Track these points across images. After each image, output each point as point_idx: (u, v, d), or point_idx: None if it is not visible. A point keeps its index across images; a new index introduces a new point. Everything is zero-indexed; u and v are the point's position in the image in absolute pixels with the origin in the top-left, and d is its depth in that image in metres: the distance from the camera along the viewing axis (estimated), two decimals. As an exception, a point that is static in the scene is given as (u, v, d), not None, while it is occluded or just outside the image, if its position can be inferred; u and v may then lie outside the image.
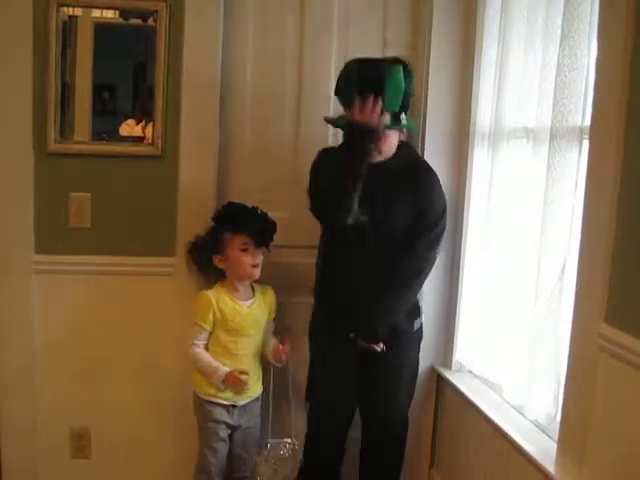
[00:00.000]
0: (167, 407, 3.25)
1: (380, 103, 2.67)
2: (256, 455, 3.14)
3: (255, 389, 3.11)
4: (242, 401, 3.06)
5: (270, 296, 3.15)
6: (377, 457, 3.15)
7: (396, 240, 2.85)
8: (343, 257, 2.93)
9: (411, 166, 2.91)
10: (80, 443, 3.29)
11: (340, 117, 2.85)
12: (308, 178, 2.88)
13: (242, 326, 3.01)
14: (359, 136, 2.70)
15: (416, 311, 3.03)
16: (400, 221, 2.84)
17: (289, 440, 3.16)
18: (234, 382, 2.96)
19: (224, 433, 3.07)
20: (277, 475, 3.14)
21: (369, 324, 2.88)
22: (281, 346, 3.04)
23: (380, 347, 2.89)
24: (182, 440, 3.20)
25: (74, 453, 3.30)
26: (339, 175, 2.73)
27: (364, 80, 2.69)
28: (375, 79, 2.68)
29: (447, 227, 2.97)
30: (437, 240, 2.91)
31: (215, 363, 2.97)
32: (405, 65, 2.75)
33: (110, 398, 3.26)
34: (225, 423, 3.05)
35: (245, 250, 2.99)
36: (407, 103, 2.80)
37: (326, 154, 2.92)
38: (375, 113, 2.67)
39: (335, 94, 2.85)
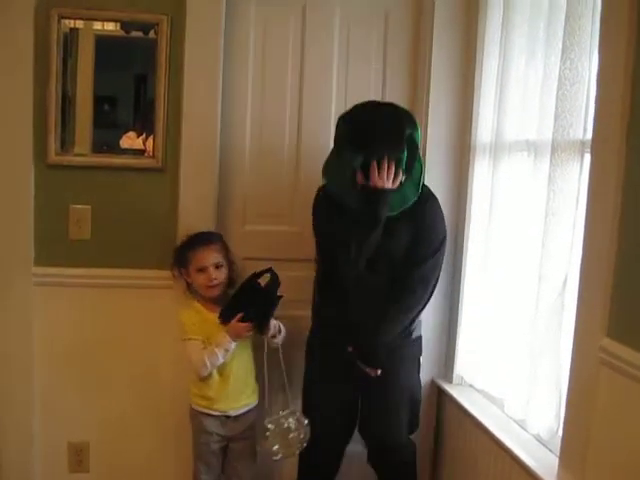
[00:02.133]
0: (166, 420, 3.24)
1: (397, 167, 2.65)
2: (263, 440, 3.03)
3: (248, 399, 3.08)
4: (235, 412, 3.04)
5: None
6: (387, 477, 3.15)
7: (395, 266, 2.83)
8: (341, 282, 2.90)
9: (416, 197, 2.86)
10: (78, 457, 3.28)
11: (341, 172, 2.76)
12: (311, 208, 2.93)
13: (213, 333, 2.97)
14: (378, 203, 2.68)
15: (412, 322, 3.00)
16: (399, 250, 2.81)
17: (288, 410, 3.04)
18: (238, 330, 2.92)
19: (216, 446, 3.06)
20: (291, 447, 3.02)
21: (371, 349, 2.87)
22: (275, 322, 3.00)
23: (378, 373, 2.88)
24: (181, 454, 3.18)
25: (72, 467, 3.28)
26: (354, 242, 2.72)
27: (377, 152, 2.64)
28: (390, 153, 2.63)
29: (448, 239, 2.96)
30: (433, 270, 2.89)
31: (214, 347, 2.94)
32: (413, 123, 2.71)
33: (109, 412, 3.24)
34: (218, 435, 3.04)
35: (202, 270, 2.99)
36: (416, 156, 2.76)
37: (326, 202, 2.88)
38: (392, 177, 2.65)
39: (336, 150, 2.78)
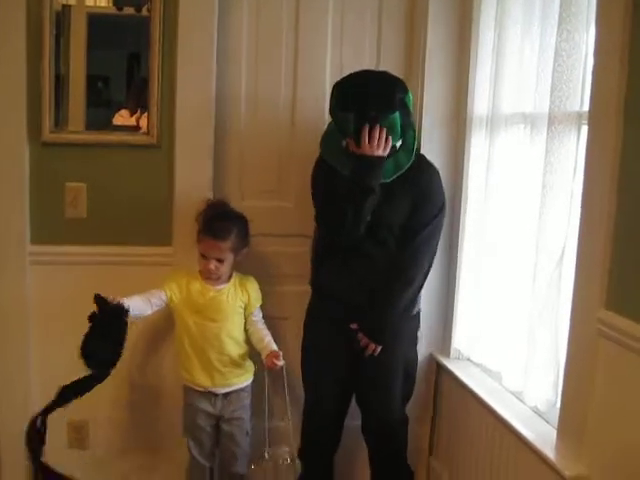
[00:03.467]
0: (165, 398, 3.25)
1: (389, 135, 2.65)
2: (255, 465, 3.09)
3: (237, 379, 3.08)
4: (222, 389, 3.05)
5: (250, 284, 3.11)
6: (379, 453, 3.16)
7: (394, 236, 2.84)
8: (339, 253, 2.91)
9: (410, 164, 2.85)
10: (78, 435, 3.29)
11: (336, 142, 2.79)
12: (306, 184, 2.92)
13: (205, 308, 3.00)
14: (370, 170, 2.68)
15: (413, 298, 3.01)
16: (398, 218, 2.82)
17: (287, 449, 3.09)
18: None
19: (204, 422, 3.08)
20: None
21: (377, 326, 2.89)
22: (275, 360, 2.96)
23: (377, 351, 2.90)
24: (179, 432, 3.19)
25: (72, 444, 3.29)
26: (350, 209, 2.72)
27: (368, 115, 2.63)
28: (380, 114, 2.63)
29: (445, 215, 2.96)
30: (434, 236, 2.90)
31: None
32: (404, 88, 2.71)
33: (108, 390, 3.23)
34: (204, 412, 3.06)
35: (205, 257, 2.98)
36: (409, 122, 2.77)
37: (324, 170, 2.87)
38: (384, 144, 2.65)
39: (331, 117, 2.78)
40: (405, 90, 2.70)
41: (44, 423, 2.78)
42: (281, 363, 2.96)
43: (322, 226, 2.92)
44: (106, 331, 2.73)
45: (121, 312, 2.75)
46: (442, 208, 2.90)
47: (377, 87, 2.68)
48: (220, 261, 2.97)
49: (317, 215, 2.91)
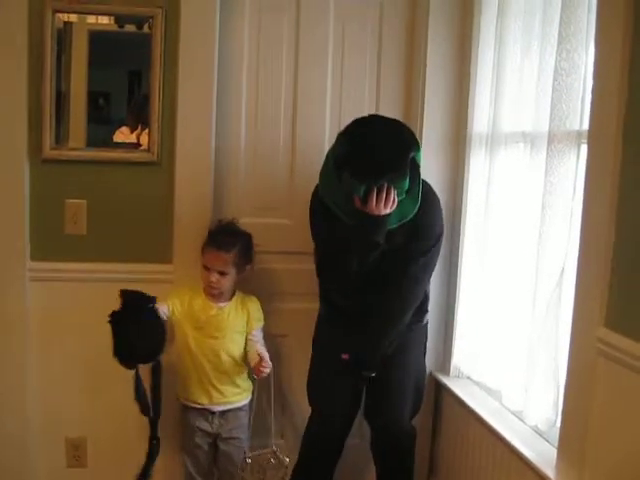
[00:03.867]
0: (164, 416, 3.22)
1: (394, 192, 2.61)
2: (240, 471, 3.06)
3: (235, 397, 3.07)
4: (218, 407, 3.04)
5: (252, 304, 3.11)
6: (387, 465, 3.14)
7: (390, 262, 2.81)
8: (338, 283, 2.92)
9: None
10: (76, 453, 3.28)
11: (341, 202, 2.72)
12: (309, 197, 2.90)
13: (206, 324, 3.00)
14: (376, 228, 2.66)
15: (424, 307, 3.02)
16: (395, 248, 2.77)
17: (270, 449, 3.07)
18: None
19: (201, 440, 3.07)
20: None
21: (368, 357, 2.90)
22: (262, 363, 2.92)
23: (372, 374, 2.92)
24: (177, 449, 3.17)
25: (70, 462, 3.28)
26: (354, 260, 2.73)
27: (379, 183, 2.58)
28: (392, 183, 2.58)
29: (445, 232, 2.95)
30: (427, 266, 2.89)
31: None
32: (416, 145, 2.64)
33: (106, 407, 3.23)
34: (200, 430, 3.05)
35: (207, 269, 2.99)
36: (417, 175, 2.72)
37: (323, 210, 2.81)
38: (390, 204, 2.62)
39: (337, 169, 2.66)
40: (417, 147, 2.62)
41: None
42: (267, 369, 2.91)
43: (324, 272, 2.91)
44: (139, 320, 2.74)
45: (148, 297, 2.76)
46: (439, 239, 2.87)
47: (389, 153, 2.57)
48: (222, 274, 2.97)
49: (318, 261, 2.90)
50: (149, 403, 2.83)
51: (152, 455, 2.91)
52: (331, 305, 3.00)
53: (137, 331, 2.72)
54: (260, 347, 3.05)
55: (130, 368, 2.75)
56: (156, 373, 2.83)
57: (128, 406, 3.20)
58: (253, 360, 2.98)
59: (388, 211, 2.62)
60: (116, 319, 2.69)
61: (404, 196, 2.66)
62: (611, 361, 2.09)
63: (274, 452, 3.06)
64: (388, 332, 2.88)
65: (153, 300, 2.77)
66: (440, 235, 2.87)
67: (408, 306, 2.88)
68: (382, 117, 2.77)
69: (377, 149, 2.57)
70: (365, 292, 2.84)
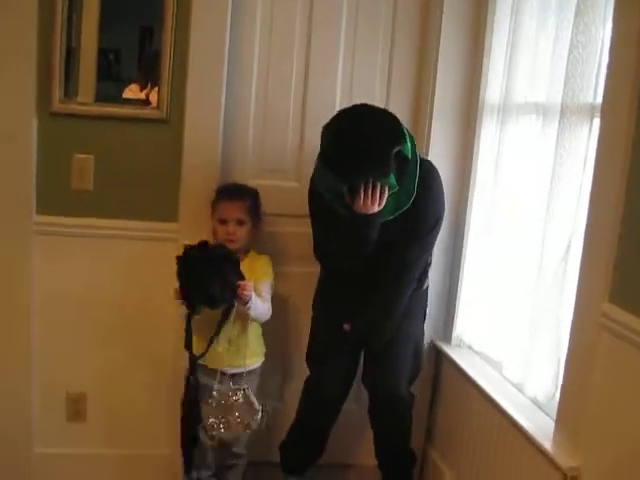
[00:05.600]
0: (164, 372, 3.24)
1: (383, 189, 2.62)
2: (203, 404, 2.92)
3: (246, 360, 3.01)
4: (231, 369, 2.98)
5: (263, 261, 3.10)
6: (384, 430, 3.16)
7: (386, 249, 2.81)
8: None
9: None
10: (76, 407, 3.30)
11: (336, 194, 2.72)
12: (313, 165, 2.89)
13: None
14: (366, 226, 2.68)
15: (425, 272, 3.04)
16: (395, 233, 2.79)
17: (236, 386, 2.95)
18: None
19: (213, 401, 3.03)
20: (230, 428, 2.91)
21: (379, 337, 2.95)
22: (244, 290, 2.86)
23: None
24: (177, 405, 3.19)
25: (70, 416, 3.30)
26: (346, 251, 2.77)
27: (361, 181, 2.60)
28: (375, 180, 2.60)
29: (452, 202, 2.96)
30: (426, 249, 2.91)
31: None
32: (401, 138, 2.61)
33: (107, 362, 3.26)
34: (209, 389, 2.95)
35: (223, 222, 2.99)
36: (408, 169, 2.70)
37: (320, 202, 2.83)
38: (378, 200, 2.63)
39: (323, 164, 2.69)
40: (402, 140, 2.60)
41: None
42: (248, 292, 2.85)
43: (319, 256, 2.95)
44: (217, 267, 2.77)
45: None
46: (438, 221, 2.87)
47: (371, 149, 2.56)
48: (240, 223, 2.98)
49: (315, 245, 2.93)
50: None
51: (191, 394, 2.89)
52: (330, 274, 3.03)
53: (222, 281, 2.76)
54: (261, 299, 2.99)
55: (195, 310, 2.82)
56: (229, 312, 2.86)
57: (129, 362, 3.25)
58: None
59: (377, 209, 2.63)
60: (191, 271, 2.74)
61: (396, 189, 2.66)
62: (614, 336, 2.09)
63: (244, 390, 2.93)
64: (385, 315, 2.91)
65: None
66: (438, 220, 2.88)
67: (404, 291, 2.90)
68: (368, 109, 2.70)
69: (357, 147, 2.56)
70: (361, 276, 2.87)
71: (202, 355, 2.88)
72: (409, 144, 2.66)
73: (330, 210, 2.78)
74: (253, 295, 2.88)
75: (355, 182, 2.60)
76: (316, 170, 2.85)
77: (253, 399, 2.94)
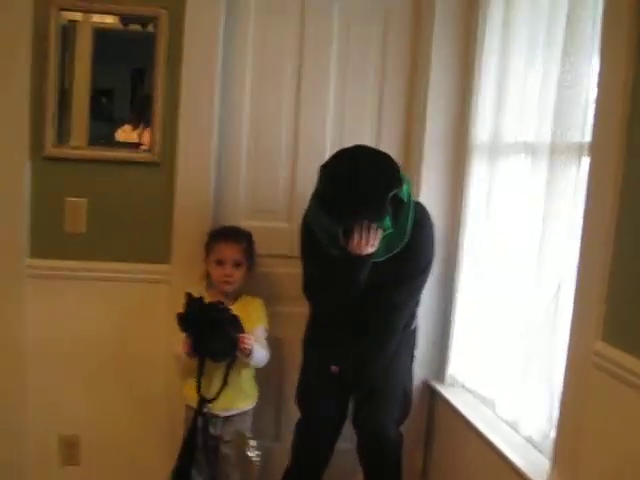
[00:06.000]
0: (158, 415, 3.23)
1: (378, 231, 2.64)
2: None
3: (240, 403, 3.05)
4: (224, 412, 2.99)
5: (256, 304, 3.10)
6: (374, 472, 3.12)
7: (376, 290, 2.81)
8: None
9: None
10: (69, 450, 3.27)
11: (330, 234, 2.73)
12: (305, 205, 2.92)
13: None
14: (358, 269, 2.70)
15: (413, 313, 3.03)
16: (385, 275, 2.79)
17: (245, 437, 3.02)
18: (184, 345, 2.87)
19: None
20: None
21: (364, 379, 2.95)
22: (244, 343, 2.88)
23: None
24: (173, 448, 3.16)
25: (64, 460, 3.27)
26: (336, 291, 2.79)
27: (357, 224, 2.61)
28: (371, 223, 2.61)
29: (444, 241, 2.98)
30: (415, 292, 2.92)
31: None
32: (398, 182, 2.61)
33: (101, 405, 3.24)
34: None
35: (220, 263, 2.99)
36: (403, 211, 2.72)
37: (312, 241, 2.84)
38: (372, 241, 2.64)
39: (318, 205, 2.69)
40: (399, 184, 2.60)
41: None
42: (249, 345, 2.87)
43: (309, 294, 2.94)
44: (217, 327, 2.78)
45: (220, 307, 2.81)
46: (428, 266, 2.88)
47: (368, 198, 2.57)
48: (237, 266, 3.00)
49: (305, 283, 2.93)
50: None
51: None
52: (319, 314, 3.03)
53: (221, 337, 2.80)
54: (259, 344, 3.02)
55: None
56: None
57: (122, 404, 3.23)
58: None
59: (370, 250, 2.64)
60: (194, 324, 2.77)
61: (390, 231, 2.68)
62: (607, 375, 2.09)
63: (247, 441, 2.99)
64: (374, 357, 2.90)
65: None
66: (429, 263, 2.89)
67: (393, 332, 2.90)
68: (366, 151, 2.72)
69: (355, 191, 2.56)
70: (349, 318, 2.87)
71: (213, 399, 2.91)
72: (405, 187, 2.68)
73: (322, 249, 2.79)
74: (254, 346, 2.89)
75: (350, 224, 2.61)
76: (310, 210, 2.87)
77: (250, 450, 2.97)
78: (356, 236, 2.62)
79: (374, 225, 2.62)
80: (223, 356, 2.86)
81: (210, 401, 2.91)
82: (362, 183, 2.56)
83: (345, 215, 2.60)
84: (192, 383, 2.94)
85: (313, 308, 3.05)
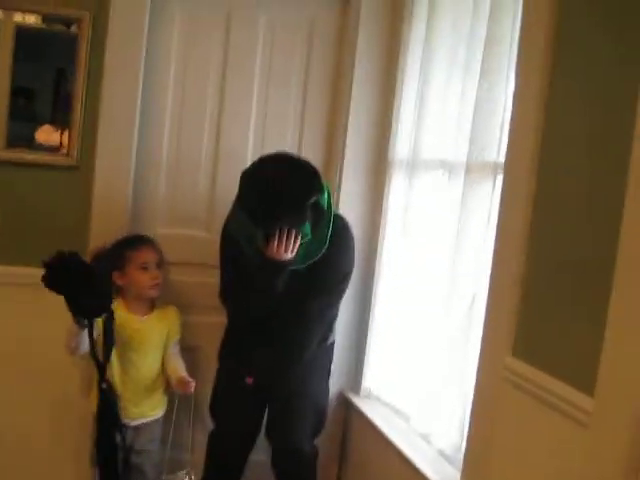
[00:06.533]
0: (63, 425, 3.17)
1: (297, 237, 2.65)
2: None
3: (150, 410, 3.05)
4: (132, 421, 2.98)
5: (172, 314, 3.11)
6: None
7: (294, 298, 2.82)
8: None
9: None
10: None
11: (249, 238, 2.74)
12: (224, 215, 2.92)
13: (132, 339, 2.96)
14: (275, 274, 2.71)
15: (330, 327, 3.03)
16: (302, 282, 2.81)
17: (184, 471, 3.02)
18: None
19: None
20: None
21: (278, 387, 2.97)
22: (189, 380, 2.93)
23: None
24: (82, 458, 3.09)
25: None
26: (253, 296, 2.79)
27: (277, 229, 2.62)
28: (290, 228, 2.63)
29: (362, 252, 3.01)
30: (333, 303, 2.95)
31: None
32: (318, 188, 2.65)
33: (6, 413, 3.14)
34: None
35: (145, 269, 2.97)
36: (322, 218, 2.73)
37: (232, 246, 2.85)
38: (292, 247, 2.66)
39: (240, 209, 2.72)
40: (318, 191, 2.65)
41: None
42: (192, 387, 2.91)
43: (226, 300, 2.94)
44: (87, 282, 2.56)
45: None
46: (346, 276, 2.91)
47: (288, 202, 2.61)
48: (158, 267, 3.00)
49: (222, 288, 2.93)
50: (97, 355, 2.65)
51: (107, 399, 2.69)
52: (236, 323, 3.02)
53: (90, 292, 2.58)
54: (179, 362, 3.06)
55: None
56: (110, 322, 2.66)
57: (25, 404, 3.12)
58: (175, 376, 2.98)
59: (289, 256, 2.66)
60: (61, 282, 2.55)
61: (309, 238, 2.69)
62: (517, 389, 2.12)
63: (188, 473, 3.00)
64: (289, 365, 2.91)
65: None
66: (347, 274, 2.92)
67: (308, 340, 2.91)
68: (286, 157, 2.77)
69: (275, 195, 2.60)
70: (265, 326, 2.87)
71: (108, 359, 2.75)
72: (326, 195, 2.71)
73: (240, 255, 2.78)
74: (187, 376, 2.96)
75: (271, 228, 2.62)
76: (231, 216, 2.87)
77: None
78: (276, 241, 2.62)
79: (293, 231, 2.63)
80: (100, 311, 2.64)
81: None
82: (283, 188, 2.60)
83: (266, 219, 2.62)
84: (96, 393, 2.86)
85: (229, 316, 3.02)
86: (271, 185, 2.62)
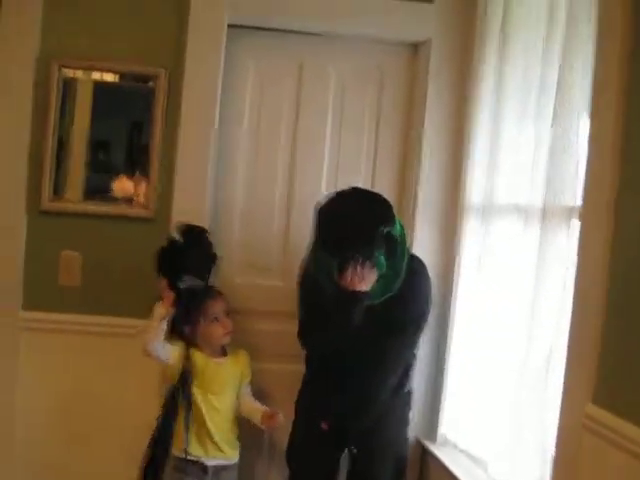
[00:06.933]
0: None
1: (372, 267, 2.66)
2: None
3: (227, 454, 3.06)
4: (212, 461, 3.01)
5: (243, 357, 3.14)
6: None
7: (371, 335, 2.80)
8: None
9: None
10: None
11: (325, 271, 2.75)
12: (298, 265, 2.96)
13: (211, 380, 3.01)
14: (351, 306, 2.70)
15: (408, 375, 3.01)
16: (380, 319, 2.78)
17: None
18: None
19: None
20: None
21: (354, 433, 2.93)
22: (276, 411, 3.00)
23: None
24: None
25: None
26: (330, 331, 2.78)
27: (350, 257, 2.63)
28: (363, 256, 2.63)
29: (436, 300, 2.97)
30: (411, 341, 2.92)
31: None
32: (390, 219, 2.68)
33: (93, 465, 3.19)
34: None
35: (217, 320, 3.02)
36: (397, 250, 2.73)
37: (313, 281, 2.86)
38: (366, 279, 2.66)
39: (316, 239, 2.75)
40: (391, 222, 2.67)
41: None
42: (279, 420, 2.97)
43: (303, 337, 2.93)
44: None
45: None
46: (419, 318, 2.88)
47: (359, 229, 2.62)
48: (228, 315, 3.06)
49: (300, 326, 2.93)
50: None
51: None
52: (313, 368, 3.01)
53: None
54: (255, 401, 3.11)
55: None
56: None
57: (114, 462, 3.17)
58: (258, 413, 3.03)
59: (364, 287, 2.66)
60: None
61: (384, 271, 2.69)
62: (597, 437, 2.08)
63: None
64: (365, 406, 2.88)
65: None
66: (423, 314, 2.89)
67: (383, 383, 2.88)
68: (361, 190, 2.83)
69: (345, 223, 2.63)
70: (342, 364, 2.84)
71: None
72: (398, 227, 2.72)
73: (319, 292, 2.78)
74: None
75: (342, 255, 2.63)
76: (308, 254, 2.89)
77: None
78: (350, 271, 2.63)
79: (368, 263, 2.63)
80: (198, 271, 2.89)
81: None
82: (355, 216, 2.64)
83: (338, 247, 2.64)
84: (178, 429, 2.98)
85: (307, 356, 3.01)
86: (343, 213, 2.67)
